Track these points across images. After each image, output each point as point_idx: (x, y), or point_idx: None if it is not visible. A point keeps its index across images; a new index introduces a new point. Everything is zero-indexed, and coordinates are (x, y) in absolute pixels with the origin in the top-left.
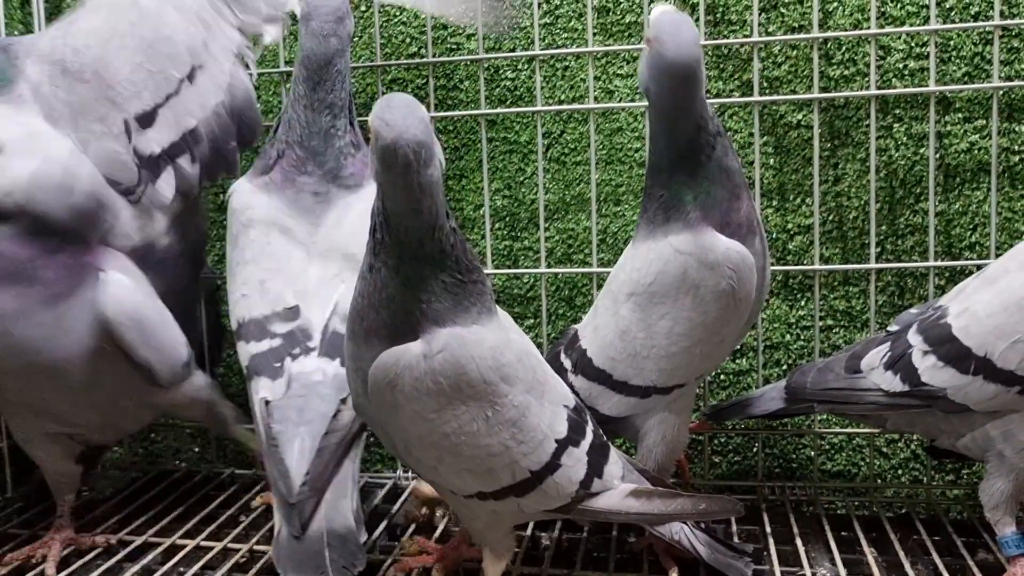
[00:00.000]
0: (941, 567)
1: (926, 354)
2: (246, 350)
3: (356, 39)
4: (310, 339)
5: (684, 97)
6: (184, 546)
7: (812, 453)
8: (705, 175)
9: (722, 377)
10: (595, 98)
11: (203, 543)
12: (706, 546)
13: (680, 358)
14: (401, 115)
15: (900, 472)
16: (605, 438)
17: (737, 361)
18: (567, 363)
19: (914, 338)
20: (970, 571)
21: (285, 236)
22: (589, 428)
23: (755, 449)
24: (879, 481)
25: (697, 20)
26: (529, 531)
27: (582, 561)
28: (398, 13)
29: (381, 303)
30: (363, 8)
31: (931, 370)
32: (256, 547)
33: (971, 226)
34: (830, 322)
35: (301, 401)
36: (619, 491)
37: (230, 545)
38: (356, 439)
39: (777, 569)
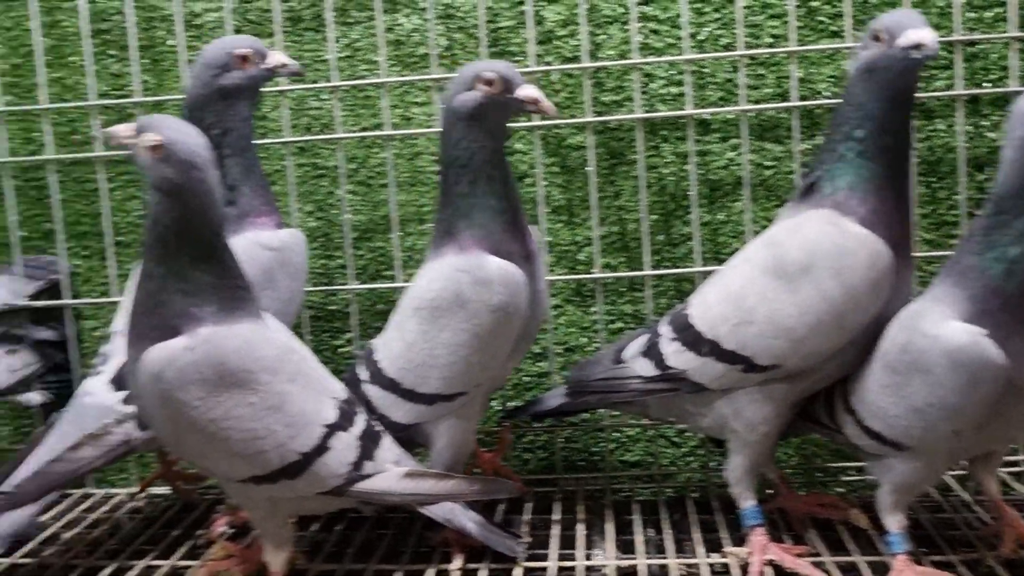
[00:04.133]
0: (699, 541)
1: (671, 340)
2: None
3: (168, 72)
4: (105, 363)
5: (444, 136)
6: None
7: (609, 446)
8: (476, 209)
9: (526, 379)
10: (393, 125)
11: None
12: (477, 525)
13: (459, 367)
14: (186, 129)
15: (690, 460)
16: (380, 428)
17: (538, 364)
18: (363, 374)
19: (663, 328)
20: (721, 543)
21: None
22: (361, 418)
23: (557, 445)
24: (672, 468)
25: (480, 50)
26: (338, 530)
27: (381, 556)
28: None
29: (153, 308)
30: (171, 43)
31: (675, 354)
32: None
33: (733, 234)
34: (620, 324)
35: (68, 416)
36: (392, 473)
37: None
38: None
39: (555, 551)
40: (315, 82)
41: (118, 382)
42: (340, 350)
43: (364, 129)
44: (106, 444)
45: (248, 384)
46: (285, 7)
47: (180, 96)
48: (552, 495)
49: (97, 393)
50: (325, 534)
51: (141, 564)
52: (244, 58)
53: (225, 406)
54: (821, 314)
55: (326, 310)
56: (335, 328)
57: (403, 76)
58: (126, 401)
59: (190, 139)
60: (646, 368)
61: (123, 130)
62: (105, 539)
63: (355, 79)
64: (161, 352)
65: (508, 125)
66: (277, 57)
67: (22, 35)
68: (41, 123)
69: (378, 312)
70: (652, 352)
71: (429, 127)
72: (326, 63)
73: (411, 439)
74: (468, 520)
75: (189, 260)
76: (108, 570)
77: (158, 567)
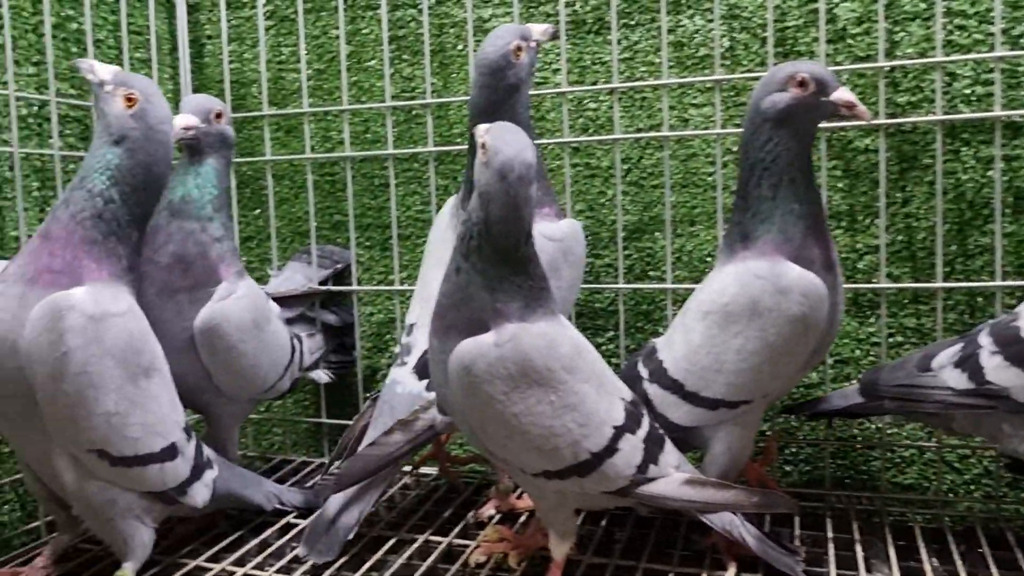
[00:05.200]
0: None
1: (993, 354)
2: None
3: (454, 75)
4: (408, 354)
5: (747, 137)
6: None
7: (881, 464)
8: (777, 213)
9: (792, 391)
10: (670, 126)
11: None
12: (756, 539)
13: (748, 375)
14: (516, 137)
15: (972, 488)
16: (662, 431)
17: (807, 375)
18: (644, 372)
19: (984, 339)
20: None
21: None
22: (646, 420)
23: (824, 459)
24: (950, 496)
25: (766, 51)
26: (603, 525)
27: (649, 555)
28: None
29: (461, 302)
30: (459, 48)
31: (996, 369)
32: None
33: None
34: (900, 338)
35: (385, 405)
36: (674, 479)
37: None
38: (395, 465)
39: (833, 571)
40: (595, 83)
41: (420, 371)
42: (603, 347)
43: (639, 130)
44: (414, 429)
45: (549, 382)
46: (569, 11)
47: (464, 97)
48: (820, 511)
49: (406, 382)
50: (591, 528)
51: (420, 539)
52: (518, 49)
53: (527, 402)
54: None
55: (591, 307)
56: (598, 326)
57: (683, 78)
58: (428, 388)
59: (512, 150)
60: (958, 380)
61: (480, 128)
62: (384, 513)
63: (634, 80)
64: (471, 346)
65: (817, 128)
66: (538, 31)
67: (327, 42)
68: (339, 123)
69: (642, 312)
70: (968, 364)
71: (706, 128)
72: (605, 65)
73: (686, 441)
74: (747, 533)
75: (495, 259)
76: (391, 542)
77: (437, 543)
